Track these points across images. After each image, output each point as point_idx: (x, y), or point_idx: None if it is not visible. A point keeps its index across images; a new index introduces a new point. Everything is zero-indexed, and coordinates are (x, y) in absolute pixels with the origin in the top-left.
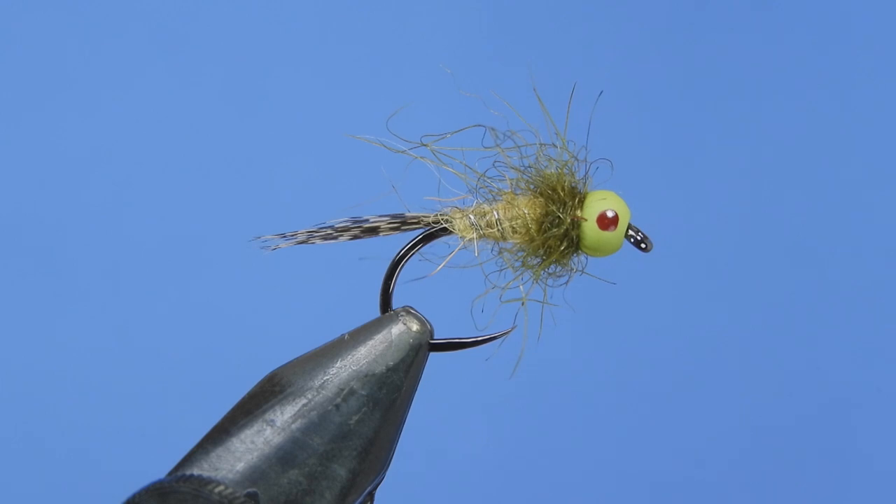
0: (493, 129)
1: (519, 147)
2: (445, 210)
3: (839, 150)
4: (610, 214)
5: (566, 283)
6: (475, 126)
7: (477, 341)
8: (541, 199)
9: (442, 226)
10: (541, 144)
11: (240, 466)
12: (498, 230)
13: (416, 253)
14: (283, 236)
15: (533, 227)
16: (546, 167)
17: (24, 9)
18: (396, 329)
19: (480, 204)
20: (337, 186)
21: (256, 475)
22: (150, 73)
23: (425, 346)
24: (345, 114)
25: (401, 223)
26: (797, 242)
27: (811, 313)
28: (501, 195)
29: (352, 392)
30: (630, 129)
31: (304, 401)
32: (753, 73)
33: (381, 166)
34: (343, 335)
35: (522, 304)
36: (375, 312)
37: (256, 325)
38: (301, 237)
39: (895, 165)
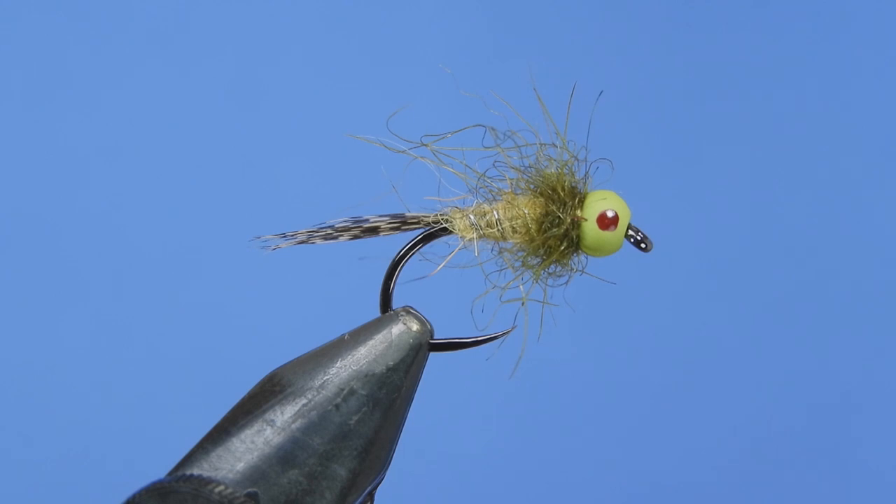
0: (493, 129)
1: (519, 147)
2: (445, 210)
3: (841, 149)
4: (610, 214)
5: (566, 283)
6: (475, 126)
7: (477, 341)
8: (541, 199)
9: (442, 226)
10: (541, 144)
11: (240, 466)
12: (498, 230)
13: (416, 253)
14: (283, 236)
15: (533, 226)
16: (546, 167)
17: (24, 7)
18: (396, 329)
19: (480, 204)
20: (337, 186)
21: (257, 475)
22: (150, 72)
23: (425, 346)
24: (345, 113)
25: (401, 223)
26: (798, 242)
27: (812, 313)
28: (501, 195)
29: (352, 392)
30: (630, 129)
31: (305, 401)
32: (754, 73)
33: (381, 166)
34: (343, 335)
35: (522, 304)
36: (375, 312)
37: (256, 325)
38: (301, 237)
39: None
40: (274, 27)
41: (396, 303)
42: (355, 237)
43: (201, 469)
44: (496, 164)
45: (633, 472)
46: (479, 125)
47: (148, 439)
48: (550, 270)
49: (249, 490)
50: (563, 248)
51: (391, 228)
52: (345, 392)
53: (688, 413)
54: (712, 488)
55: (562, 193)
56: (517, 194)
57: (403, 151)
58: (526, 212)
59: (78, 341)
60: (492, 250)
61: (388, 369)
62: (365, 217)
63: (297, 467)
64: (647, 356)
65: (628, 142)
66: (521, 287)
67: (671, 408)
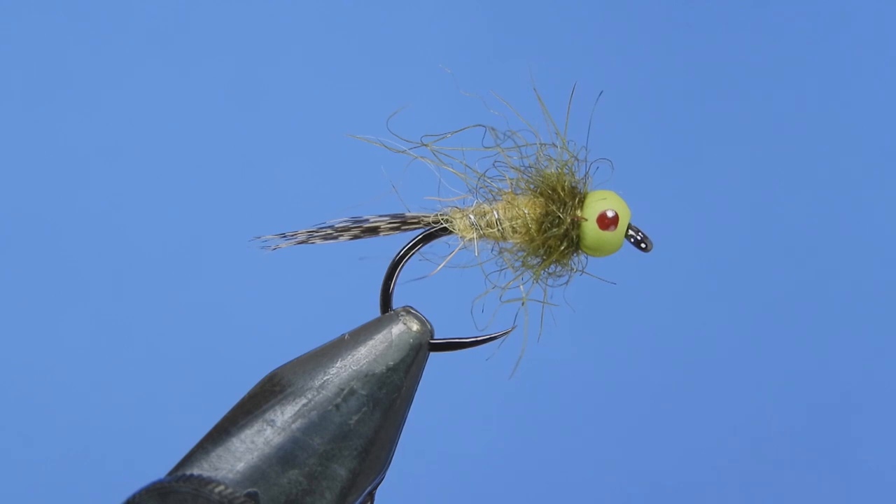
0: (493, 129)
1: (519, 147)
2: (445, 210)
3: (841, 149)
4: (610, 214)
5: (566, 283)
6: (475, 126)
7: (477, 341)
8: (541, 199)
9: (442, 226)
10: (541, 144)
11: (240, 466)
12: (498, 230)
13: (416, 253)
14: (283, 236)
15: (533, 226)
16: (546, 167)
17: (24, 7)
18: (396, 329)
19: (480, 204)
20: (337, 186)
21: (257, 475)
22: (150, 72)
23: (425, 346)
24: (345, 113)
25: (401, 223)
26: (798, 242)
27: (812, 313)
28: (501, 195)
29: (352, 392)
30: (630, 129)
31: (305, 401)
32: (754, 73)
33: (381, 166)
34: (343, 335)
35: (522, 304)
36: (375, 312)
37: (256, 325)
38: (301, 237)
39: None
40: (274, 27)
41: (396, 303)
42: (355, 237)
43: (201, 469)
44: (496, 164)
45: (633, 472)
46: (479, 125)
47: (148, 439)
48: (550, 270)
49: (249, 490)
50: (563, 248)
51: (391, 228)
52: (345, 392)
53: (688, 413)
54: (712, 488)
55: (562, 193)
56: (517, 194)
57: (403, 151)
58: (526, 212)
59: (78, 341)
60: (492, 250)
61: (388, 369)
62: (365, 217)
63: (297, 467)
64: (647, 356)
65: (628, 142)
66: (521, 287)
67: (671, 408)
